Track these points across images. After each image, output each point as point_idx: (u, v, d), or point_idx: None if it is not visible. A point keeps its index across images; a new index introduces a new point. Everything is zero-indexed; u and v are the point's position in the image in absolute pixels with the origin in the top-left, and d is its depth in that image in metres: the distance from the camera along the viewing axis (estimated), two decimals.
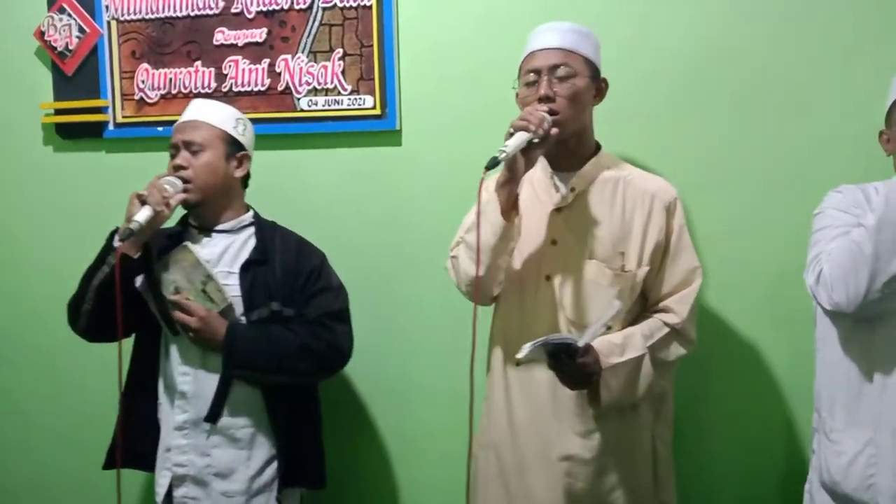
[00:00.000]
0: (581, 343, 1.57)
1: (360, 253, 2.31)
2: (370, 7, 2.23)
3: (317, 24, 2.28)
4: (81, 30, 2.44)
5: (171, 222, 2.00)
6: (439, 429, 2.27)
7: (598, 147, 1.83)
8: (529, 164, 1.64)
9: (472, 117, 2.22)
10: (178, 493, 1.95)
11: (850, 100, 1.98)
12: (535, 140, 1.61)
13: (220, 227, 2.00)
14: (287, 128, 2.33)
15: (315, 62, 2.29)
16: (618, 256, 1.73)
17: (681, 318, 1.73)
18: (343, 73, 2.27)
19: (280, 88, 2.32)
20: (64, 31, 2.45)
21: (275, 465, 1.97)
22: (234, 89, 2.34)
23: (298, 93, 2.31)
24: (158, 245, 1.95)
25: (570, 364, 1.60)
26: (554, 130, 1.63)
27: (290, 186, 2.35)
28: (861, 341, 1.58)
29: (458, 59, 2.22)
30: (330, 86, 2.28)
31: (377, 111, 2.26)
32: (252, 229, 2.03)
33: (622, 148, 1.99)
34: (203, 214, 2.00)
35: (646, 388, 1.71)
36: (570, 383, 1.67)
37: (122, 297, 1.78)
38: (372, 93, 2.26)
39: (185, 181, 1.90)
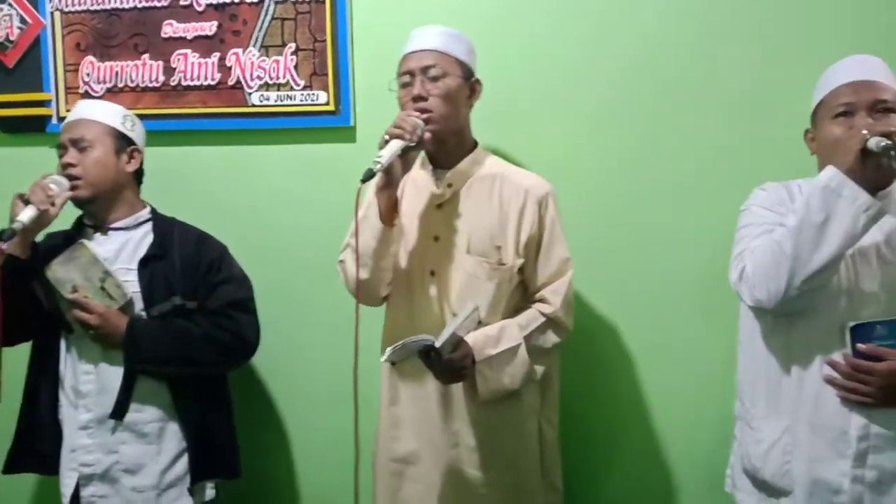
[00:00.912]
0: (438, 343, 1.62)
1: (314, 249, 2.27)
2: (323, 1, 2.19)
3: (269, 17, 2.23)
4: (23, 20, 2.36)
5: (65, 224, 1.99)
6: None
7: (475, 145, 1.88)
8: (407, 168, 1.73)
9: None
10: (86, 492, 1.94)
11: (776, 100, 2.00)
12: (411, 145, 1.67)
13: (115, 225, 1.99)
14: (238, 123, 2.28)
15: (267, 57, 2.25)
16: (494, 250, 1.79)
17: (555, 307, 1.81)
18: (296, 67, 2.23)
19: (231, 83, 2.27)
20: (5, 21, 2.37)
21: (186, 457, 1.96)
22: (183, 83, 2.29)
23: (250, 87, 2.26)
24: (54, 246, 1.94)
25: (439, 360, 1.66)
26: (427, 135, 1.70)
27: (240, 183, 2.31)
28: (781, 336, 1.62)
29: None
30: (282, 81, 2.24)
31: (331, 107, 2.23)
32: (149, 225, 2.02)
33: (544, 149, 2.07)
34: (96, 212, 1.99)
35: (523, 376, 1.78)
36: (441, 378, 1.74)
37: (20, 300, 1.80)
38: (325, 88, 2.22)
39: (74, 178, 1.90)
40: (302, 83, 2.23)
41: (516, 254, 1.80)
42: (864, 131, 1.45)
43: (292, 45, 2.23)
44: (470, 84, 1.83)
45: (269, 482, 2.36)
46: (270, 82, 2.25)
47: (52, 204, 1.83)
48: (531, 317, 1.82)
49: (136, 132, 2.03)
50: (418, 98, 1.74)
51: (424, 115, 1.72)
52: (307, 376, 2.34)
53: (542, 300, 1.84)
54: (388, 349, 1.62)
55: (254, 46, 2.25)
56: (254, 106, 2.26)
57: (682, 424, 2.14)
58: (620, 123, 2.11)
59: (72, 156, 1.92)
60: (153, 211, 2.05)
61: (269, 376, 2.37)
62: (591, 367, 2.16)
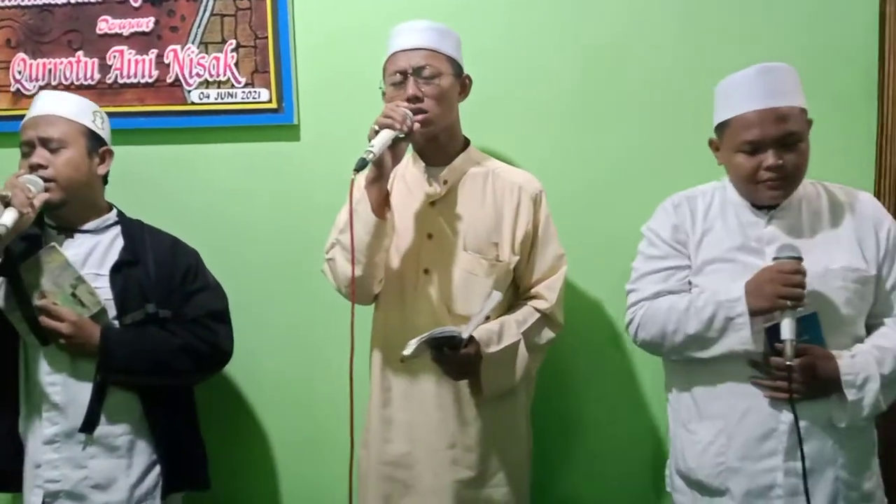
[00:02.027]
0: (465, 335, 1.64)
1: (258, 249, 2.24)
2: None
3: (208, 13, 2.18)
4: None
5: None
6: (324, 428, 2.24)
7: (466, 142, 1.88)
8: (396, 160, 1.68)
9: (373, 111, 2.14)
10: None
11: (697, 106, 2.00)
12: (401, 136, 1.64)
13: (83, 227, 1.88)
14: (177, 121, 2.22)
15: (206, 53, 2.20)
16: (492, 247, 1.78)
17: (550, 303, 1.82)
18: (236, 65, 2.18)
19: (169, 80, 2.21)
20: None
21: (156, 470, 1.89)
22: (120, 81, 2.23)
23: (189, 85, 2.21)
24: (16, 249, 1.80)
25: (454, 356, 1.66)
26: (416, 126, 1.67)
27: (181, 183, 2.26)
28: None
29: (357, 50, 2.17)
30: (222, 78, 2.19)
31: (273, 105, 2.19)
32: (117, 228, 1.92)
33: (524, 147, 2.06)
34: (65, 215, 1.86)
35: (522, 372, 1.78)
36: (454, 374, 1.72)
37: None
38: (267, 86, 2.18)
39: (46, 181, 1.77)
40: (243, 80, 2.19)
41: (512, 251, 1.79)
42: (784, 299, 1.51)
43: (233, 42, 2.18)
44: (461, 81, 1.81)
45: (239, 492, 2.31)
46: (210, 80, 2.20)
47: (31, 206, 1.70)
48: (527, 313, 1.81)
49: (106, 130, 1.92)
50: (414, 99, 1.70)
51: (420, 117, 1.69)
52: (266, 382, 2.29)
53: (536, 296, 1.83)
54: (413, 342, 1.59)
55: (193, 43, 2.20)
56: (193, 104, 2.21)
57: (640, 423, 2.16)
58: (599, 121, 2.12)
59: (41, 156, 1.79)
60: (120, 213, 1.96)
61: (230, 382, 2.31)
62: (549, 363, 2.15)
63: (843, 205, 1.67)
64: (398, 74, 1.74)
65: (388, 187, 1.73)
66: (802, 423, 1.56)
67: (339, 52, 2.19)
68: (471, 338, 1.68)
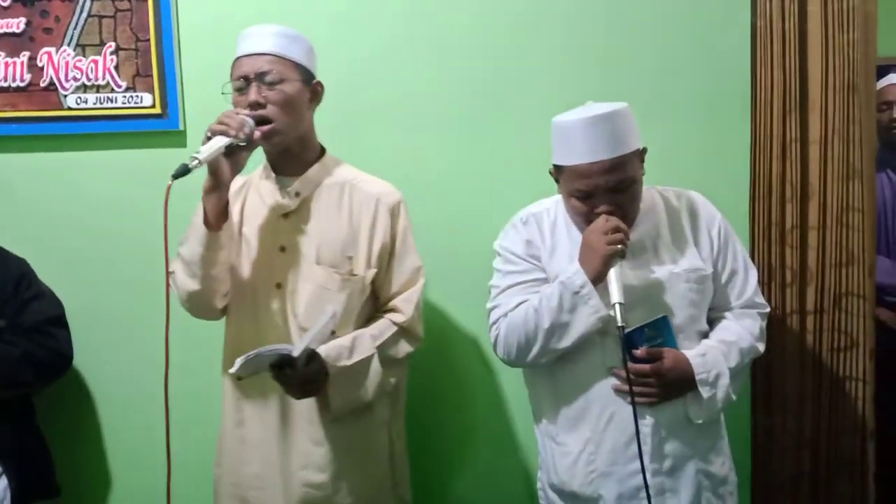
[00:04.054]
0: (296, 353, 1.54)
1: (143, 260, 2.13)
2: None
3: (84, 14, 2.08)
4: None
5: None
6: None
7: (322, 151, 1.83)
8: (236, 169, 1.62)
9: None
10: None
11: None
12: (241, 143, 1.58)
13: None
14: (52, 127, 2.12)
15: (84, 56, 2.09)
16: (346, 261, 1.73)
17: (407, 316, 1.77)
18: (116, 68, 2.09)
19: (43, 84, 2.10)
20: None
21: (2, 483, 1.85)
22: None
23: (65, 89, 2.10)
24: None
25: (294, 374, 1.59)
26: (257, 134, 1.62)
27: (58, 191, 2.15)
28: (567, 354, 1.69)
29: None
30: (101, 82, 2.10)
31: (157, 110, 2.11)
32: None
33: (388, 155, 2.06)
34: None
35: (376, 388, 1.73)
36: (295, 393, 1.65)
37: None
38: (150, 90, 2.10)
39: None
40: (124, 84, 2.10)
41: (368, 264, 1.74)
42: (610, 245, 1.56)
43: (112, 45, 2.09)
44: (311, 88, 1.75)
45: (87, 498, 2.22)
46: (88, 84, 2.10)
47: None
48: (383, 326, 1.76)
49: None
50: (255, 105, 1.63)
51: (265, 127, 1.63)
52: (123, 392, 2.21)
53: (393, 309, 1.79)
54: (238, 360, 1.50)
55: (68, 45, 2.09)
56: (70, 109, 2.10)
57: (528, 435, 2.16)
58: (463, 131, 2.13)
59: None
60: None
61: (84, 391, 2.21)
62: (440, 377, 2.17)
63: (677, 209, 1.74)
64: (242, 79, 1.67)
65: (244, 197, 1.71)
66: (664, 424, 1.63)
67: (227, 55, 2.11)
68: (315, 355, 1.61)
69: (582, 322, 1.61)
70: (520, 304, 1.69)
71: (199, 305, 1.70)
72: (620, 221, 1.58)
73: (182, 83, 2.12)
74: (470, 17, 2.11)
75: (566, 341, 1.63)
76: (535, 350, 1.66)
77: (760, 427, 2.16)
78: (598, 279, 1.58)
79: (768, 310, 1.79)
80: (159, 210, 2.12)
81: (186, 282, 1.65)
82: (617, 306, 1.53)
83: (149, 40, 2.09)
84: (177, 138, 2.14)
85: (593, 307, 1.59)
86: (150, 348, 2.12)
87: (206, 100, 2.12)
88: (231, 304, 1.77)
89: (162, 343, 1.53)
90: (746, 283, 1.74)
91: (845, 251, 2.09)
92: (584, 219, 1.64)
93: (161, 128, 2.12)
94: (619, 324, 1.52)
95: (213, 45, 2.11)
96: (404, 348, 1.79)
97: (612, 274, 1.56)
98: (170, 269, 1.73)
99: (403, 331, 1.78)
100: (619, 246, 1.56)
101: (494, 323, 1.74)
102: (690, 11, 2.09)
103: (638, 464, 1.58)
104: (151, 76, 2.10)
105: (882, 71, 2.46)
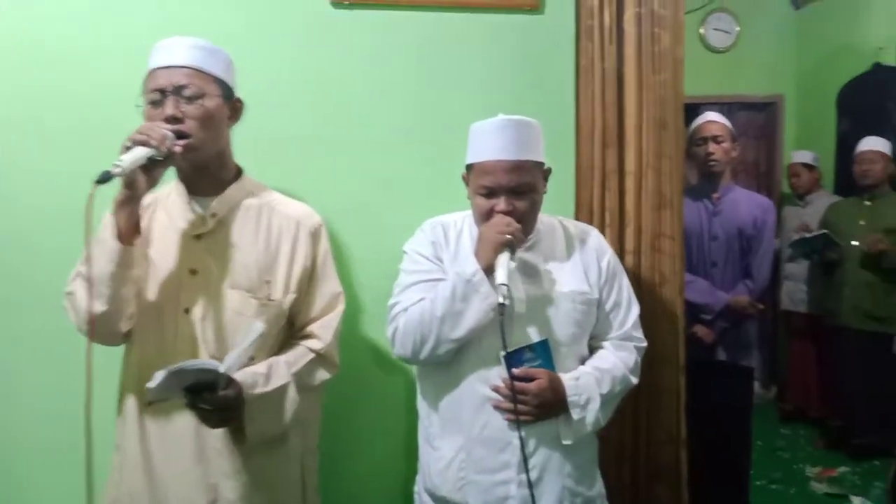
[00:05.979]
0: (223, 369, 1.47)
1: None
2: None
3: None
4: None
5: None
6: (54, 482, 2.04)
7: (239, 171, 1.78)
8: (152, 183, 1.55)
9: (76, 138, 2.01)
10: None
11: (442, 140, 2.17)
12: (159, 157, 1.51)
13: None
14: None
15: None
16: (264, 285, 1.68)
17: (324, 342, 1.74)
18: None
19: None
20: None
21: None
22: None
23: None
24: None
25: (212, 399, 1.50)
26: (177, 149, 1.55)
27: None
28: (451, 363, 1.76)
29: (60, 57, 2.02)
30: None
31: None
32: None
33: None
34: None
35: (292, 416, 1.67)
36: (212, 421, 1.56)
37: None
38: None
39: None
40: None
41: (287, 289, 1.69)
42: (500, 234, 1.65)
43: None
44: (231, 104, 1.69)
45: None
46: None
47: None
48: (299, 353, 1.71)
49: None
50: (172, 119, 1.56)
51: (183, 142, 1.55)
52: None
53: (309, 335, 1.74)
54: (159, 374, 1.38)
55: None
56: None
57: (394, 443, 2.19)
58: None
59: None
60: None
61: None
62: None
63: (573, 237, 1.87)
64: (157, 92, 1.59)
65: (149, 217, 1.62)
66: (532, 438, 1.70)
67: (39, 61, 2.01)
68: (230, 380, 1.53)
69: (474, 309, 1.65)
70: (420, 300, 1.73)
71: (103, 330, 1.57)
72: (514, 221, 1.67)
73: None
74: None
75: (459, 331, 1.67)
76: (430, 342, 1.69)
77: None
78: (491, 270, 1.65)
79: (645, 345, 1.90)
80: None
81: (91, 304, 1.53)
82: (501, 287, 1.60)
83: None
84: None
85: (484, 294, 1.64)
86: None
87: (12, 109, 2.01)
88: (135, 329, 1.65)
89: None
90: (628, 315, 1.86)
91: (658, 273, 2.27)
92: (485, 218, 1.72)
93: None
94: (501, 300, 1.59)
95: (15, 49, 2.00)
96: (321, 375, 1.75)
97: (500, 259, 1.63)
98: (67, 290, 1.61)
99: (321, 357, 1.74)
100: (509, 236, 1.64)
101: (393, 319, 1.76)
102: (521, 51, 2.22)
103: (505, 474, 1.66)
104: None
105: (690, 109, 2.71)
